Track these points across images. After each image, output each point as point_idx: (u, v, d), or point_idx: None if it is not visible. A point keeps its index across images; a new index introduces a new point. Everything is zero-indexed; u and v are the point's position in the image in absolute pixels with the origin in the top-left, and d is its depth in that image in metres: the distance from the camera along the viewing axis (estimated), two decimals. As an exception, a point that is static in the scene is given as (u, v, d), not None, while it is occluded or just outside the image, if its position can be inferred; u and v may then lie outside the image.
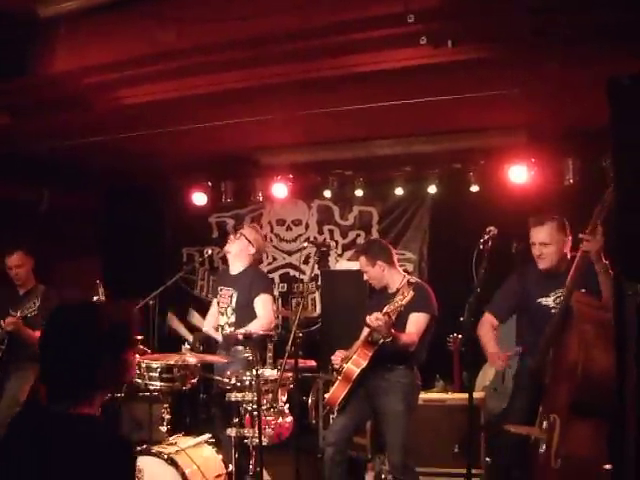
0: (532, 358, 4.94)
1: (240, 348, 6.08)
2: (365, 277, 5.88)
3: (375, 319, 5.22)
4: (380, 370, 5.50)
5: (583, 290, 4.63)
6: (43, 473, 2.35)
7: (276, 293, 10.12)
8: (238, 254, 6.48)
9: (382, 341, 5.36)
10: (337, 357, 5.71)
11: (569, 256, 5.17)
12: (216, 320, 6.59)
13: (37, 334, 6.49)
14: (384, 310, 5.24)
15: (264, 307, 6.32)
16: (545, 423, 4.32)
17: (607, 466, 3.99)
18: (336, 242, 9.99)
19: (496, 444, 5.54)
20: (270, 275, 10.13)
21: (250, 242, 6.45)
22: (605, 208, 4.38)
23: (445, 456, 6.72)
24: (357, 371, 5.48)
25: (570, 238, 5.22)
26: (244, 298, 6.35)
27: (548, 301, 5.15)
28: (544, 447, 4.25)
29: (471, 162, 8.48)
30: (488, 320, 5.49)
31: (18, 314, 6.48)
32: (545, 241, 5.16)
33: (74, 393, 2.46)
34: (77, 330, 2.47)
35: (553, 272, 5.18)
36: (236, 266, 6.52)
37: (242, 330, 5.99)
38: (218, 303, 6.56)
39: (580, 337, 4.17)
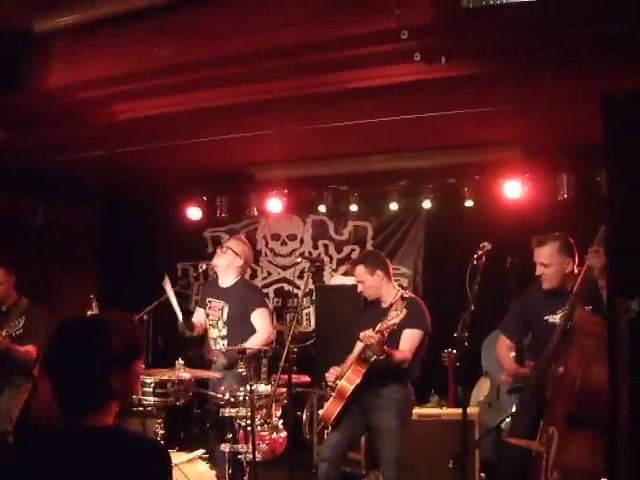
0: (536, 374, 4.94)
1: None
2: (360, 288, 5.81)
3: (368, 337, 5.22)
4: (374, 386, 5.49)
5: (589, 307, 4.63)
6: None
7: (270, 308, 10.11)
8: (226, 267, 6.46)
9: (375, 358, 5.35)
10: (331, 374, 5.70)
11: (575, 272, 5.16)
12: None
13: (27, 349, 6.53)
14: (377, 327, 5.23)
15: (262, 321, 6.30)
16: (544, 436, 4.33)
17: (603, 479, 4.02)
18: (330, 257, 10.00)
19: (497, 456, 5.52)
20: (265, 290, 10.14)
21: (237, 254, 6.42)
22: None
23: (440, 471, 6.68)
24: (351, 388, 5.47)
25: (575, 257, 5.20)
26: (236, 311, 6.32)
27: (555, 318, 5.12)
28: (542, 460, 4.26)
29: (466, 177, 8.50)
30: (504, 343, 5.46)
31: (4, 333, 6.38)
32: (545, 262, 5.13)
33: (91, 406, 2.46)
34: (91, 344, 2.46)
35: (557, 291, 5.16)
36: (226, 279, 6.49)
37: (246, 345, 5.97)
38: (207, 315, 6.52)
39: (580, 352, 4.18)
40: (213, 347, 6.43)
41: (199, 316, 6.66)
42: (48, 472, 2.39)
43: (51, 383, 2.49)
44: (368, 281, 5.74)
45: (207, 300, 6.57)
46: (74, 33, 5.50)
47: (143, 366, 5.70)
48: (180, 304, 6.43)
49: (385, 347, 5.25)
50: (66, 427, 2.48)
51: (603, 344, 4.23)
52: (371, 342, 5.21)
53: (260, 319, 6.29)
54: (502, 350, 5.44)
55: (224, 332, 6.32)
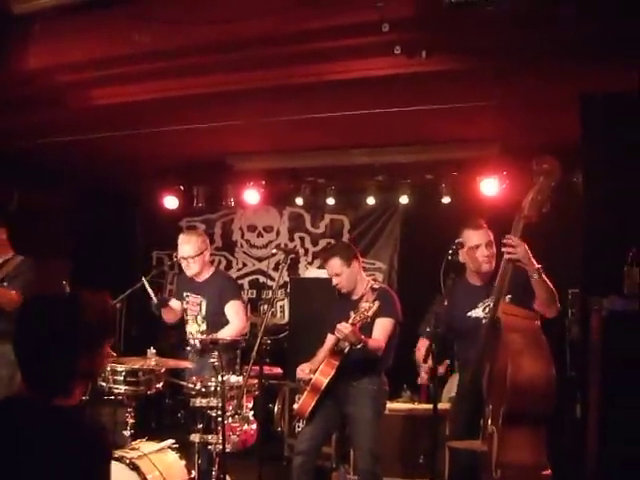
0: (467, 372, 4.93)
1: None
2: (336, 281, 5.73)
3: (344, 327, 5.21)
4: (348, 377, 5.47)
5: (508, 297, 4.63)
6: (25, 465, 2.33)
7: (245, 299, 10.10)
8: (200, 268, 6.40)
9: (349, 349, 5.34)
10: (302, 372, 5.66)
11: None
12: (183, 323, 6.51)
13: (10, 293, 6.35)
14: (350, 320, 5.23)
15: (236, 313, 6.25)
16: (485, 435, 4.33)
17: (546, 472, 4.03)
18: (306, 250, 10.01)
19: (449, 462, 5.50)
20: (239, 281, 10.14)
21: (202, 253, 6.37)
22: (522, 218, 4.40)
23: (410, 466, 6.72)
24: (325, 381, 5.45)
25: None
26: (214, 305, 6.26)
27: (478, 312, 5.15)
28: (486, 460, 4.27)
29: (443, 173, 8.53)
30: (424, 345, 5.28)
31: None
32: (490, 240, 5.14)
33: (55, 385, 2.43)
34: (58, 321, 2.43)
35: (486, 281, 5.18)
36: (202, 274, 6.45)
37: (217, 335, 5.94)
38: (185, 310, 6.48)
39: (507, 347, 4.16)
40: (192, 342, 6.37)
41: (175, 307, 6.61)
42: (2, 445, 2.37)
43: (16, 357, 2.47)
44: (345, 273, 5.68)
45: (184, 294, 6.51)
46: (53, 16, 5.46)
47: (114, 354, 5.74)
48: (155, 293, 6.38)
49: (362, 336, 5.25)
50: (21, 403, 2.46)
51: (529, 337, 4.26)
52: (347, 333, 5.20)
53: (233, 311, 6.25)
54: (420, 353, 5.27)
55: (203, 327, 6.26)
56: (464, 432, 4.67)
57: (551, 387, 4.08)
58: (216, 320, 6.21)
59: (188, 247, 6.30)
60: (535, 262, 4.52)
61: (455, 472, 5.25)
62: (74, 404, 2.51)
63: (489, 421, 4.28)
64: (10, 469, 2.33)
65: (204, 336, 6.18)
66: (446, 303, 4.82)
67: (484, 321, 5.02)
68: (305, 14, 4.81)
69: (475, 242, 5.15)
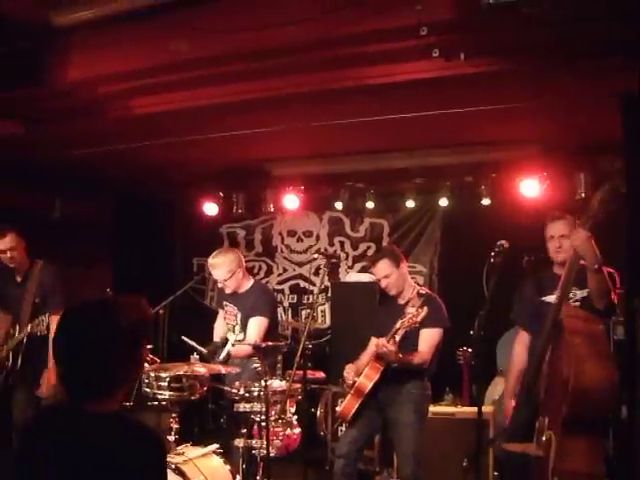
0: (527, 374, 4.88)
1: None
2: (384, 283, 5.72)
3: (382, 346, 5.24)
4: (391, 382, 5.48)
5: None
6: (80, 473, 2.36)
7: (286, 304, 10.16)
8: (236, 284, 6.42)
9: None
10: (349, 373, 5.67)
11: None
12: (225, 332, 6.53)
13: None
14: (397, 325, 5.26)
15: (254, 328, 6.21)
16: (542, 440, 4.28)
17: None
18: (347, 254, 9.99)
19: (500, 461, 5.46)
20: (280, 286, 10.20)
21: (234, 273, 6.34)
22: (590, 217, 4.36)
23: (454, 470, 6.68)
24: (369, 385, 5.46)
25: None
26: (247, 318, 6.31)
27: (551, 298, 5.12)
28: (541, 465, 4.21)
29: (483, 175, 8.47)
30: (521, 339, 5.30)
31: (28, 329, 6.26)
32: (565, 233, 5.11)
33: (97, 391, 2.47)
34: (96, 326, 2.46)
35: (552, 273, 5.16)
36: (241, 287, 6.45)
37: (223, 354, 6.01)
38: (225, 318, 6.52)
39: (570, 351, 4.11)
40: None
41: (220, 321, 6.65)
42: (51, 456, 2.41)
43: (57, 367, 2.50)
44: (394, 275, 5.68)
45: (224, 303, 6.57)
46: (93, 27, 5.51)
47: (157, 360, 5.78)
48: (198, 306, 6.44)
49: (400, 355, 5.27)
50: (67, 411, 2.49)
51: (592, 341, 4.20)
52: (384, 351, 5.24)
53: (253, 326, 6.22)
54: (519, 347, 5.25)
55: (240, 337, 6.27)
56: (521, 434, 4.64)
57: (614, 393, 4.04)
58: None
59: (219, 272, 6.35)
60: (598, 254, 4.50)
61: (505, 475, 5.19)
62: (117, 409, 2.54)
63: (546, 426, 4.24)
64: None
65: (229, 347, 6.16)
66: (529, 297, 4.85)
67: None
68: (343, 19, 4.80)
69: (549, 233, 5.16)
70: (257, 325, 6.24)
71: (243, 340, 6.21)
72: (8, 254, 6.59)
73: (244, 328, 6.28)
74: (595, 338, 4.23)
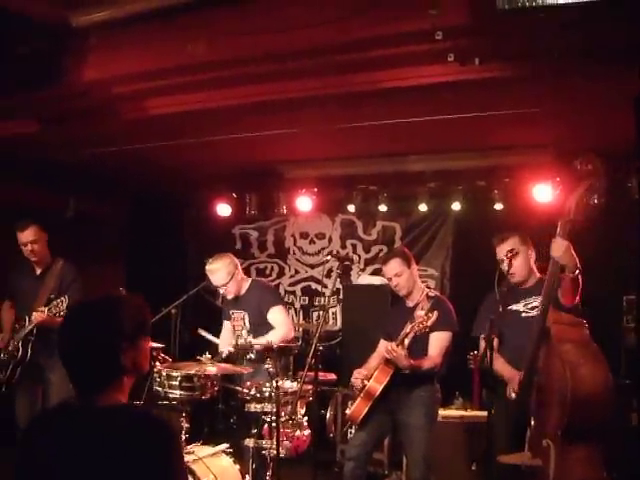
0: (516, 383, 4.83)
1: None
2: (395, 282, 5.72)
3: (391, 351, 5.25)
4: (401, 385, 5.48)
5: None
6: (91, 465, 2.39)
7: (297, 306, 10.16)
8: (236, 288, 6.48)
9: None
10: (357, 379, 5.68)
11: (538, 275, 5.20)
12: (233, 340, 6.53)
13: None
14: (406, 329, 5.28)
15: (279, 317, 6.33)
16: (538, 448, 4.25)
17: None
18: (359, 256, 10.00)
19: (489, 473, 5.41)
20: (292, 288, 10.23)
21: (233, 276, 6.41)
22: (568, 222, 4.40)
23: (463, 474, 6.69)
24: (380, 388, 5.46)
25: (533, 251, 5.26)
26: (255, 317, 6.37)
27: (518, 306, 5.14)
28: (540, 474, 4.18)
29: (496, 180, 8.47)
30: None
31: (45, 310, 6.14)
32: (514, 249, 5.13)
33: (102, 383, 2.52)
34: (96, 320, 2.53)
35: (523, 286, 5.22)
36: (241, 290, 6.53)
37: (262, 340, 5.99)
38: (233, 327, 6.55)
39: (563, 359, 4.08)
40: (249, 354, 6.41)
41: (226, 333, 6.69)
42: (59, 452, 2.44)
43: (63, 364, 2.54)
44: (405, 274, 5.68)
45: (230, 312, 6.61)
46: (109, 28, 5.55)
47: (169, 359, 5.80)
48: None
49: (411, 361, 5.28)
50: (76, 406, 2.53)
51: (583, 346, 4.19)
52: (393, 356, 5.25)
53: (276, 316, 6.31)
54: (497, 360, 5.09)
55: (250, 339, 6.31)
56: (510, 444, 4.61)
57: (611, 394, 4.03)
58: (260, 330, 6.27)
59: (217, 277, 6.42)
60: (577, 261, 4.50)
61: None
62: (125, 401, 2.58)
63: (542, 434, 4.21)
64: (81, 475, 2.40)
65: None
66: (500, 309, 4.83)
67: (523, 315, 5.05)
68: (359, 23, 4.82)
69: (498, 256, 5.19)
70: (280, 313, 6.38)
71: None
72: (29, 247, 6.58)
73: (253, 328, 6.30)
74: (584, 342, 4.22)
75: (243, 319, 6.42)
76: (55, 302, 6.19)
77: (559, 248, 4.41)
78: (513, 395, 4.90)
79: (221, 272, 6.38)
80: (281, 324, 6.30)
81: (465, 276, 8.97)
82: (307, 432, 5.97)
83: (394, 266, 5.72)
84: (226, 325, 6.71)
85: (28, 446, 2.53)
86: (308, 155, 8.61)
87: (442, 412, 6.48)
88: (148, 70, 5.71)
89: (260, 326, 6.29)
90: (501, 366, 5.08)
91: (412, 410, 5.50)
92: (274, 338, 6.07)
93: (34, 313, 6.24)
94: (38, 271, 6.70)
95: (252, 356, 5.99)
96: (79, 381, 2.54)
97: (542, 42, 4.76)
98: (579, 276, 4.55)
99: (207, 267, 6.49)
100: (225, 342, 6.58)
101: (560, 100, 5.85)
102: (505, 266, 5.08)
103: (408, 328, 5.31)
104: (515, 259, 5.12)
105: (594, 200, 4.28)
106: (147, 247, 10.08)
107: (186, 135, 7.13)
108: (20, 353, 6.36)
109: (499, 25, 4.61)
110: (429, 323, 5.26)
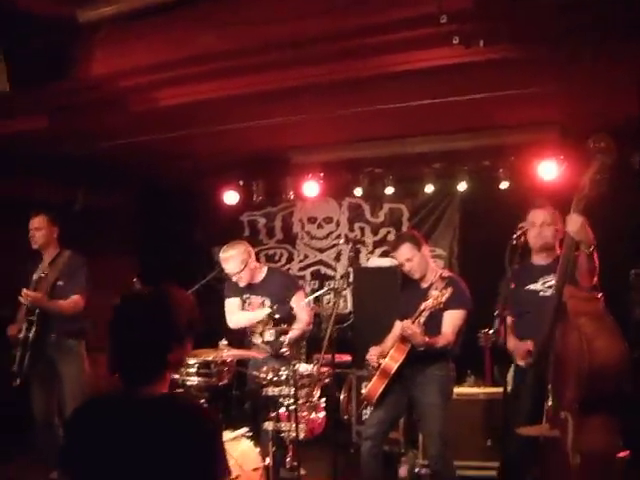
0: (532, 360, 4.90)
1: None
2: (407, 267, 5.76)
3: (407, 327, 5.31)
4: (416, 363, 5.54)
5: None
6: (135, 453, 2.48)
7: (308, 290, 10.22)
8: (250, 276, 6.51)
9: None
10: (373, 356, 5.74)
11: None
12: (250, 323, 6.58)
13: (72, 300, 6.49)
14: (421, 307, 5.34)
15: (302, 307, 6.42)
16: (557, 420, 4.32)
17: (624, 453, 4.07)
18: (366, 239, 10.05)
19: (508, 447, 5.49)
20: (301, 272, 10.29)
21: (246, 264, 6.44)
22: (583, 197, 4.41)
23: (478, 450, 6.77)
24: (395, 366, 5.51)
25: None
26: (277, 301, 6.36)
27: (536, 286, 5.22)
28: (558, 445, 4.26)
29: (501, 159, 8.51)
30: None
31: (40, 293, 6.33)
32: (546, 221, 5.26)
33: (149, 377, 2.61)
34: (153, 322, 2.61)
35: (543, 259, 5.31)
36: (255, 277, 6.56)
37: (295, 332, 6.17)
38: (247, 310, 6.58)
39: (579, 332, 4.16)
40: (257, 342, 6.48)
41: (234, 308, 6.69)
42: (106, 438, 2.52)
43: (112, 353, 2.62)
44: (416, 258, 5.73)
45: (244, 296, 6.60)
46: (117, 22, 5.59)
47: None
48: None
49: (426, 338, 5.34)
50: (123, 396, 2.61)
51: (598, 320, 4.26)
52: (409, 333, 5.31)
53: (300, 304, 6.41)
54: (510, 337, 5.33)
55: (270, 324, 6.30)
56: (529, 417, 4.69)
57: (626, 364, 4.10)
58: (281, 315, 6.30)
59: (232, 264, 6.43)
60: (592, 238, 4.56)
61: (514, 455, 5.21)
62: (165, 391, 2.68)
63: (559, 406, 4.29)
64: (125, 465, 2.48)
65: (273, 331, 6.23)
66: (513, 286, 4.90)
67: (540, 294, 5.11)
68: (364, 8, 4.86)
69: (530, 220, 5.27)
70: (302, 297, 6.54)
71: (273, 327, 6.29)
72: (31, 233, 6.69)
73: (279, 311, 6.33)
74: (599, 315, 4.30)
75: (262, 304, 6.45)
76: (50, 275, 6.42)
77: (574, 224, 4.45)
78: (521, 363, 5.04)
79: (235, 260, 6.40)
80: (304, 313, 6.40)
81: (473, 255, 9.02)
82: (322, 414, 6.03)
83: (405, 251, 5.77)
84: (234, 302, 6.68)
85: (75, 431, 2.61)
86: (314, 140, 8.63)
87: (456, 390, 6.54)
88: (156, 62, 5.74)
89: (279, 311, 6.28)
90: (512, 343, 5.19)
91: (427, 387, 5.55)
92: (301, 326, 6.16)
93: (25, 292, 6.35)
94: (46, 262, 6.76)
95: (284, 350, 6.01)
96: (127, 373, 2.62)
97: (546, 23, 4.80)
98: (594, 253, 4.59)
99: (221, 255, 6.51)
100: (242, 318, 6.61)
101: (566, 80, 5.88)
102: (537, 230, 5.27)
103: (423, 306, 5.37)
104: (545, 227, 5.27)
105: (606, 177, 4.33)
106: (158, 237, 10.14)
107: (194, 125, 7.17)
108: (22, 334, 6.37)
109: (503, 7, 4.66)
110: (443, 299, 5.31)
